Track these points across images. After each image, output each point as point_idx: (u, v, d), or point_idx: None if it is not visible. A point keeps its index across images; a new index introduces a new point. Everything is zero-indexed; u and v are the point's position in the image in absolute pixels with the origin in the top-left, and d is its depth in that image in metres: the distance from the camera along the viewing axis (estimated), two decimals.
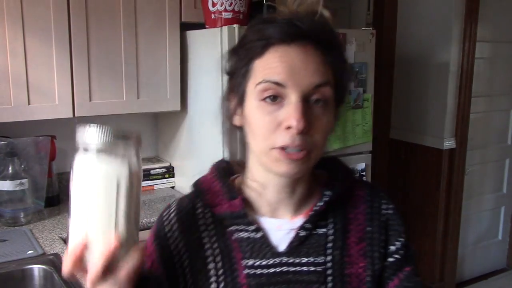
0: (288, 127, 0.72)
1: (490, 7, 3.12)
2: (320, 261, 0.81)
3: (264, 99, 0.75)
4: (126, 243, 0.68)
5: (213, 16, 2.10)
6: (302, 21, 0.75)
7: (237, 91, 0.80)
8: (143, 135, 2.62)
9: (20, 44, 1.93)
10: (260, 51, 0.76)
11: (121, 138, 0.66)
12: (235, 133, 0.85)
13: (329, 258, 0.82)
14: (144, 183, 2.45)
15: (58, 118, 2.07)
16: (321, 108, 0.75)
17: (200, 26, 2.20)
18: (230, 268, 0.82)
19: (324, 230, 0.83)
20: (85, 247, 0.66)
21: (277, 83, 0.73)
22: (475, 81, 3.09)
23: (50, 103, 2.02)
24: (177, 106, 2.31)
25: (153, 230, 0.89)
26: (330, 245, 0.82)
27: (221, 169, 0.89)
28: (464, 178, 3.19)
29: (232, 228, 0.83)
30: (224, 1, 2.06)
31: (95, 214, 0.66)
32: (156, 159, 2.62)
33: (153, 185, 2.48)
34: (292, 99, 0.73)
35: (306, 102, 0.74)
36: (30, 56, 1.95)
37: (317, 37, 0.76)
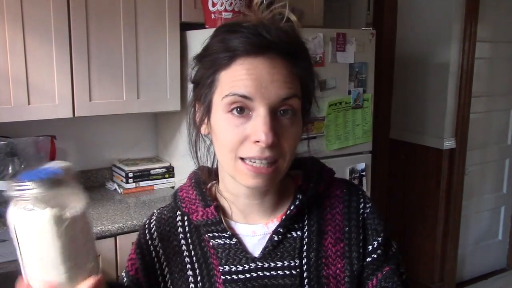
0: (257, 141, 0.72)
1: (490, 7, 3.12)
2: (295, 264, 0.81)
3: (231, 111, 0.74)
4: (69, 281, 0.69)
5: (213, 16, 2.10)
6: (268, 30, 0.73)
7: (203, 101, 0.79)
8: (143, 135, 2.63)
9: (20, 44, 1.93)
10: (226, 63, 0.74)
11: (49, 187, 0.66)
12: (201, 142, 0.85)
13: (304, 260, 0.82)
14: (144, 183, 2.45)
15: (58, 118, 2.07)
16: (289, 119, 0.75)
17: (200, 26, 2.20)
18: (208, 274, 0.83)
19: (299, 233, 0.83)
20: None
21: (244, 96, 0.72)
22: (475, 81, 3.09)
23: (50, 103, 2.02)
24: (177, 106, 2.31)
25: (136, 239, 0.91)
26: (305, 247, 0.82)
27: (198, 177, 0.90)
28: (464, 178, 3.19)
29: (208, 235, 0.84)
30: (224, 1, 2.06)
31: (31, 263, 0.69)
32: (156, 159, 2.62)
33: (153, 185, 2.48)
34: (260, 113, 0.72)
35: (274, 114, 0.73)
36: (30, 56, 1.95)
37: (284, 48, 0.74)
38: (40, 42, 1.96)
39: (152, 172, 2.47)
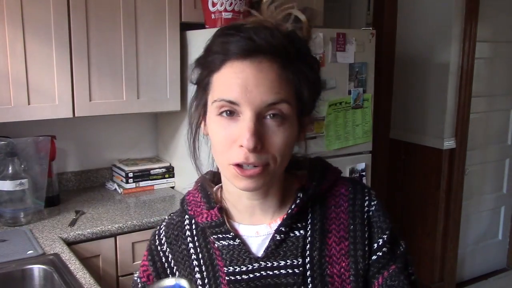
0: (241, 146, 0.73)
1: (490, 7, 3.12)
2: (298, 263, 0.81)
3: (220, 114, 0.75)
4: None
5: (213, 16, 2.10)
6: (258, 33, 0.73)
7: (199, 103, 0.81)
8: (143, 135, 2.63)
9: (20, 45, 1.93)
10: (218, 65, 0.75)
11: None
12: (202, 145, 0.86)
13: (307, 259, 0.82)
14: (144, 183, 2.45)
15: (58, 118, 2.07)
16: (277, 123, 0.74)
17: (200, 26, 2.20)
18: (214, 276, 0.84)
19: (302, 232, 0.83)
20: None
21: (230, 102, 0.73)
22: (475, 81, 3.09)
23: (50, 103, 2.02)
24: (177, 106, 2.31)
25: (147, 246, 0.93)
26: (308, 246, 0.82)
27: (205, 181, 0.91)
28: (464, 178, 3.19)
29: (213, 236, 0.85)
30: (224, 1, 2.06)
31: None
32: (156, 159, 2.62)
33: (153, 185, 2.48)
34: (246, 117, 0.72)
35: (261, 118, 0.73)
36: (30, 56, 1.95)
37: (273, 52, 0.73)
38: (40, 43, 1.96)
39: (152, 172, 2.48)
